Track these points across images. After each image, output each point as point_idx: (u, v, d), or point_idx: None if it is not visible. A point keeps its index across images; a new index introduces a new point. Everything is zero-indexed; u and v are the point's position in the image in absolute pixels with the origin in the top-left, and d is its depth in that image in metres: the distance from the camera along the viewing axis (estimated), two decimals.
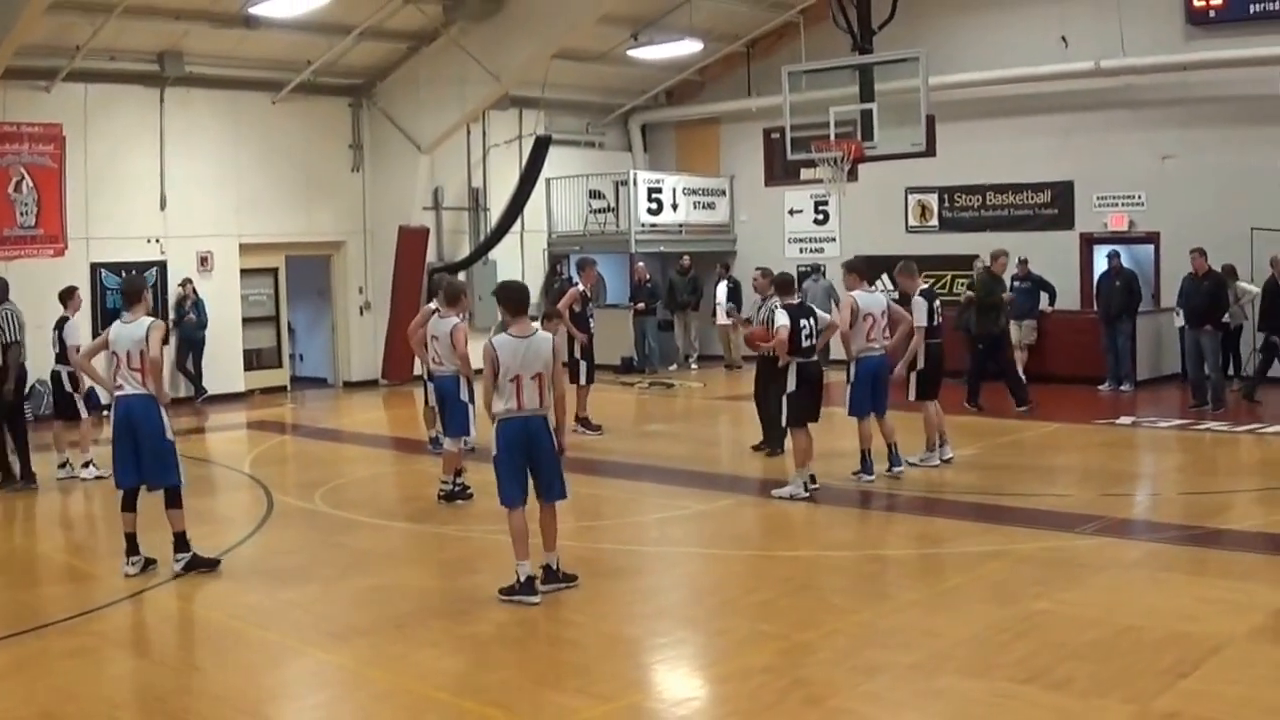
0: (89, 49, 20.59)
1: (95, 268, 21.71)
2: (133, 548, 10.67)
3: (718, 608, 9.68)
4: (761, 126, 28.10)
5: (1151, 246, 23.67)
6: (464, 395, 13.57)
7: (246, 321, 24.37)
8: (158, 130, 22.57)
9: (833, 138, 18.19)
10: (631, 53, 26.48)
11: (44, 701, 7.69)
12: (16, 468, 14.93)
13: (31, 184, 21.08)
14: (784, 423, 13.53)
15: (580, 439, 17.75)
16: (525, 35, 23.36)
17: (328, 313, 26.25)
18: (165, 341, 10.92)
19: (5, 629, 9.02)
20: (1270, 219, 21.10)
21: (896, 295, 16.15)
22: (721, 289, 27.30)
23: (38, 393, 20.40)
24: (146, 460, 10.55)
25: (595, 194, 28.62)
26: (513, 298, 9.85)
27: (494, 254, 26.50)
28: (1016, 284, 22.95)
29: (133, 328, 10.58)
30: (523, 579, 9.51)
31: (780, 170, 27.64)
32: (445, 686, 7.88)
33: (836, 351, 14.60)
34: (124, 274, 21.49)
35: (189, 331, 22.45)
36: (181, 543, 10.71)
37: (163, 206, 22.70)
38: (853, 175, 18.51)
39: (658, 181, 28.35)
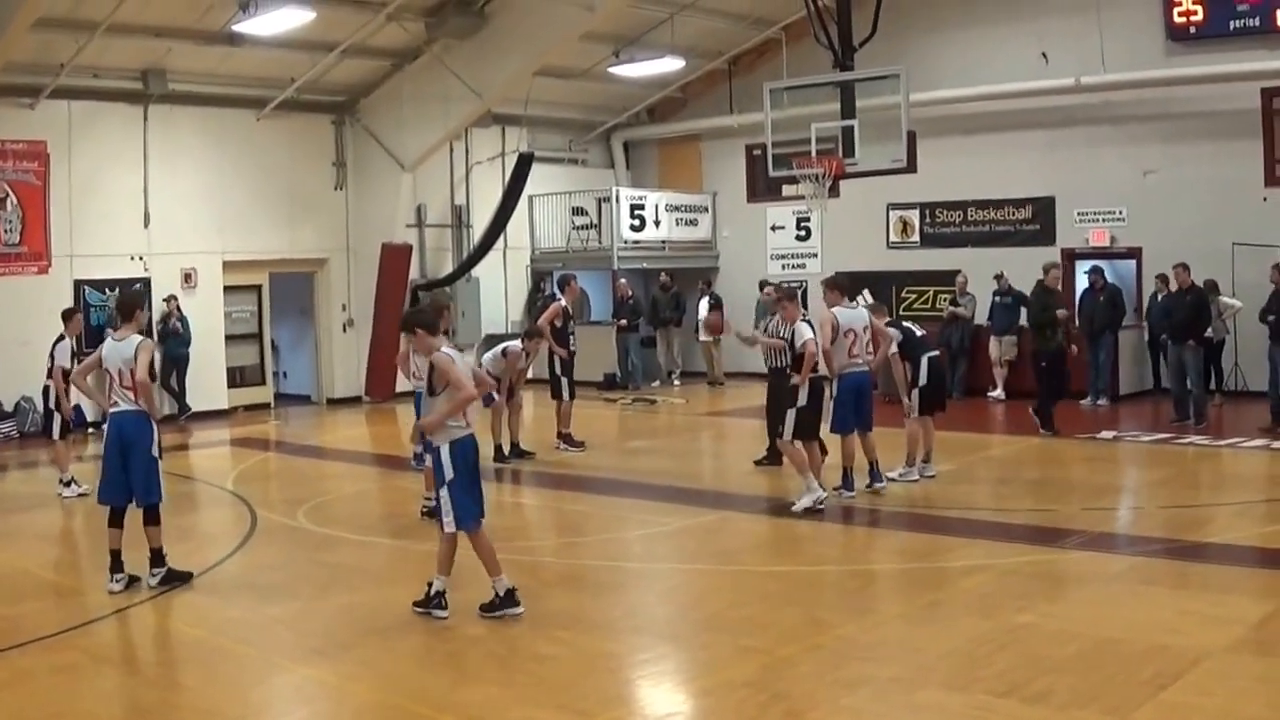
0: (73, 66, 20.61)
1: (79, 285, 21.70)
2: (117, 565, 10.65)
3: (700, 623, 9.69)
4: (743, 143, 28.15)
5: (1133, 261, 23.76)
6: None
7: (230, 339, 24.34)
8: (141, 147, 22.58)
9: (814, 154, 18.20)
10: (614, 70, 26.52)
11: (31, 718, 7.70)
12: None
13: (16, 201, 21.08)
14: (790, 436, 13.40)
15: (562, 455, 17.81)
16: (508, 53, 23.41)
17: (311, 330, 26.24)
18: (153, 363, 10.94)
19: None
20: (1251, 234, 21.21)
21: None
22: (704, 305, 27.31)
23: (23, 409, 20.45)
24: (134, 476, 10.57)
25: (578, 211, 28.64)
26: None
27: (477, 271, 26.55)
28: (997, 299, 23.07)
29: (123, 346, 10.60)
30: (502, 593, 9.52)
31: (762, 186, 27.68)
32: (427, 702, 7.88)
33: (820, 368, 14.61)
34: (107, 290, 21.64)
35: (173, 349, 22.41)
36: (158, 558, 10.73)
37: (146, 224, 22.70)
38: (834, 191, 18.52)
39: (640, 198, 28.38)
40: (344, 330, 25.86)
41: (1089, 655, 8.22)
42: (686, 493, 15.11)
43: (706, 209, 29.61)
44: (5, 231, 20.99)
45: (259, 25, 20.55)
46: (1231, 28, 22.02)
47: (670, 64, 26.45)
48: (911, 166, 17.57)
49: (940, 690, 7.78)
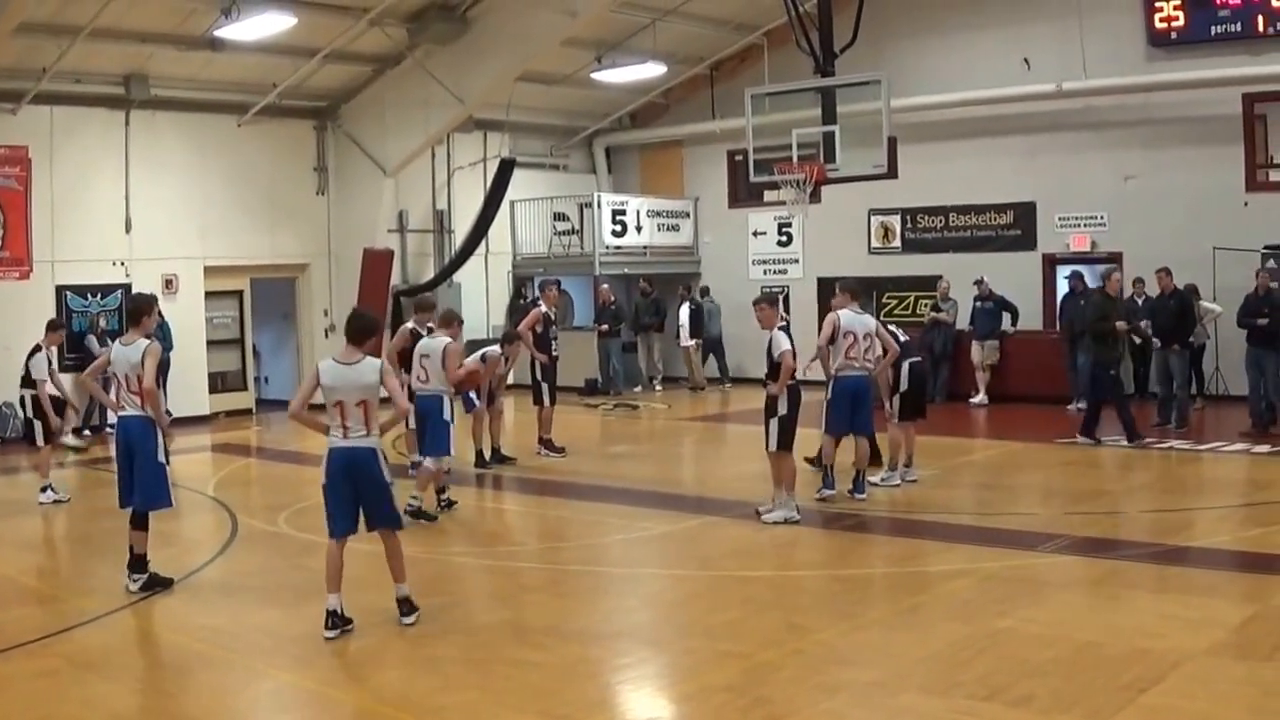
0: (55, 71, 20.59)
1: (60, 290, 21.69)
2: (136, 565, 10.67)
3: (681, 628, 9.70)
4: (725, 149, 28.21)
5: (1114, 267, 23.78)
6: (446, 414, 13.49)
7: (211, 344, 24.29)
8: (123, 153, 22.56)
9: (795, 160, 18.21)
10: (595, 75, 26.56)
11: None
12: None
13: None
14: (775, 446, 13.06)
15: (544, 461, 17.79)
16: (489, 58, 23.42)
17: (292, 335, 26.21)
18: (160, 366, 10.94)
19: None
20: (1232, 239, 21.31)
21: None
22: (684, 311, 27.33)
23: (3, 414, 20.39)
24: (138, 481, 10.58)
25: (560, 216, 28.66)
26: (348, 328, 9.87)
27: (459, 276, 26.56)
28: (978, 304, 23.14)
29: (130, 350, 10.58)
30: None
31: (744, 192, 27.65)
32: (408, 707, 7.87)
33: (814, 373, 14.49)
34: (89, 296, 21.58)
35: None
36: (140, 563, 10.71)
37: (128, 229, 22.67)
38: (815, 197, 18.49)
39: (622, 204, 28.39)
40: (325, 335, 25.77)
41: (1070, 659, 8.25)
42: (668, 498, 15.10)
43: (688, 214, 29.64)
44: None
45: (241, 30, 20.54)
46: (1213, 33, 22.11)
47: (652, 69, 26.50)
48: (893, 172, 17.56)
49: (921, 695, 7.79)
